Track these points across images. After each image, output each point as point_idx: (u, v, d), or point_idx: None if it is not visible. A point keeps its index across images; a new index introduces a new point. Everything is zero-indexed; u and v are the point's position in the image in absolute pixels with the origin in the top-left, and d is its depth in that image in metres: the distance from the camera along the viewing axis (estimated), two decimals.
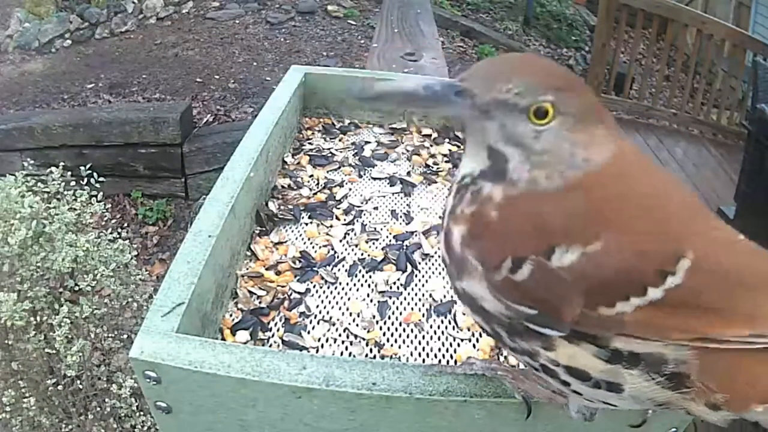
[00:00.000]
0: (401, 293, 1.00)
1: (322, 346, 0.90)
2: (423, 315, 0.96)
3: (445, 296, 1.00)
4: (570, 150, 0.51)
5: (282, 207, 1.18)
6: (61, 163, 2.00)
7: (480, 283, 0.53)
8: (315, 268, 1.03)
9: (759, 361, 0.48)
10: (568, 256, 0.48)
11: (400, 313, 0.96)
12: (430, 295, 1.00)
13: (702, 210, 0.55)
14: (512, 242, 0.51)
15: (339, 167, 1.33)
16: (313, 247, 1.09)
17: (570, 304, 0.49)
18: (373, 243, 1.11)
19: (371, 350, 0.90)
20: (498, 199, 0.53)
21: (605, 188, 0.51)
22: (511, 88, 0.51)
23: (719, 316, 0.48)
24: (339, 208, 1.19)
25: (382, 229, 1.14)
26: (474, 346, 0.91)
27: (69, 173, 2.01)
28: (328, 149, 1.40)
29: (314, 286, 1.00)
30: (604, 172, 0.52)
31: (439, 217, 0.67)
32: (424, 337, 0.93)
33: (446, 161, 1.39)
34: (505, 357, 0.89)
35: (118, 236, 2.02)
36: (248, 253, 1.06)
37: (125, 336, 1.94)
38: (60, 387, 1.81)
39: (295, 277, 1.02)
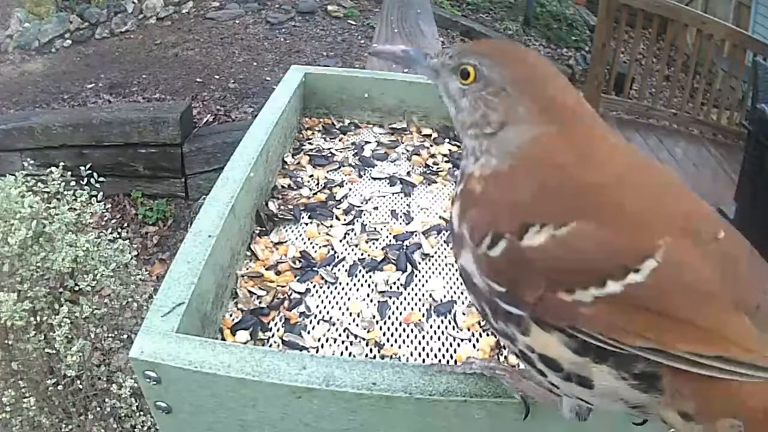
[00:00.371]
0: (401, 293, 1.00)
1: (322, 346, 0.90)
2: (423, 315, 0.96)
3: (445, 296, 1.00)
4: (483, 111, 0.56)
5: (282, 207, 1.18)
6: (61, 163, 2.00)
7: (470, 258, 0.54)
8: (315, 268, 1.03)
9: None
10: (539, 236, 0.49)
11: (400, 313, 0.96)
12: (430, 295, 1.00)
13: (686, 202, 0.53)
14: (493, 217, 0.53)
15: (339, 167, 1.33)
16: (313, 247, 1.08)
17: (533, 286, 0.50)
18: (373, 243, 1.11)
19: (371, 350, 0.90)
20: (477, 175, 0.56)
21: (583, 173, 0.51)
22: (450, 52, 0.61)
23: (679, 329, 0.46)
24: (339, 208, 1.19)
25: (382, 229, 1.14)
26: (474, 346, 0.91)
27: (69, 173, 2.01)
28: (328, 149, 1.40)
29: (314, 286, 1.00)
30: (579, 156, 0.52)
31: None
32: (424, 337, 0.92)
33: (446, 161, 1.39)
34: (505, 357, 0.89)
35: (118, 236, 2.02)
36: (248, 253, 1.06)
37: (125, 336, 1.94)
38: (60, 387, 1.81)
39: (295, 277, 1.02)
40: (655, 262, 0.46)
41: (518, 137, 0.54)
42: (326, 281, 1.01)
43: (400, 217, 1.18)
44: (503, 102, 0.56)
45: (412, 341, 0.92)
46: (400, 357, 0.89)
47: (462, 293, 1.00)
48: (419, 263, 1.06)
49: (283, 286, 0.99)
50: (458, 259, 0.58)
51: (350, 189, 1.26)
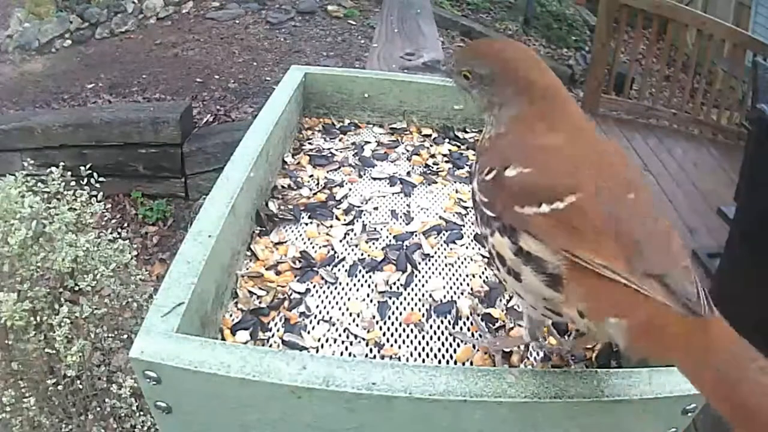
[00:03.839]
0: (401, 293, 1.00)
1: (322, 346, 0.90)
2: (423, 315, 0.96)
3: (445, 296, 1.00)
4: (489, 98, 0.80)
5: (282, 207, 1.18)
6: (61, 163, 2.00)
7: (476, 182, 0.79)
8: (315, 268, 1.03)
9: (614, 283, 0.64)
10: (512, 171, 0.73)
11: (400, 313, 0.96)
12: (430, 295, 1.00)
13: (606, 168, 0.72)
14: (492, 158, 0.78)
15: (339, 167, 1.33)
16: (313, 247, 1.08)
17: (502, 199, 0.73)
18: (373, 243, 1.11)
19: (371, 350, 0.90)
20: (488, 137, 0.82)
21: (537, 138, 0.75)
22: (453, 60, 0.86)
23: (577, 239, 0.67)
24: (339, 208, 1.19)
25: (382, 229, 1.14)
26: (474, 346, 0.91)
27: (69, 173, 2.01)
28: (328, 149, 1.40)
29: (314, 286, 1.00)
30: (541, 126, 0.75)
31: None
32: (424, 337, 0.93)
33: (446, 161, 1.39)
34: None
35: (118, 236, 2.02)
36: (248, 253, 1.06)
37: (125, 336, 1.95)
38: (60, 387, 1.81)
39: (295, 277, 1.02)
40: (574, 198, 0.68)
41: (509, 112, 0.78)
42: (326, 281, 1.01)
43: (400, 217, 1.18)
44: (497, 88, 0.79)
45: (412, 341, 0.92)
46: (400, 357, 0.89)
47: (462, 293, 1.01)
48: (419, 263, 1.06)
49: (283, 286, 0.99)
50: (471, 184, 0.82)
51: (350, 189, 1.26)
